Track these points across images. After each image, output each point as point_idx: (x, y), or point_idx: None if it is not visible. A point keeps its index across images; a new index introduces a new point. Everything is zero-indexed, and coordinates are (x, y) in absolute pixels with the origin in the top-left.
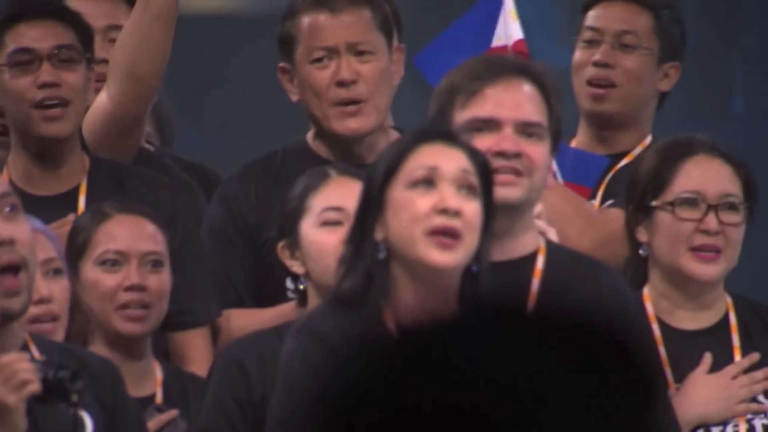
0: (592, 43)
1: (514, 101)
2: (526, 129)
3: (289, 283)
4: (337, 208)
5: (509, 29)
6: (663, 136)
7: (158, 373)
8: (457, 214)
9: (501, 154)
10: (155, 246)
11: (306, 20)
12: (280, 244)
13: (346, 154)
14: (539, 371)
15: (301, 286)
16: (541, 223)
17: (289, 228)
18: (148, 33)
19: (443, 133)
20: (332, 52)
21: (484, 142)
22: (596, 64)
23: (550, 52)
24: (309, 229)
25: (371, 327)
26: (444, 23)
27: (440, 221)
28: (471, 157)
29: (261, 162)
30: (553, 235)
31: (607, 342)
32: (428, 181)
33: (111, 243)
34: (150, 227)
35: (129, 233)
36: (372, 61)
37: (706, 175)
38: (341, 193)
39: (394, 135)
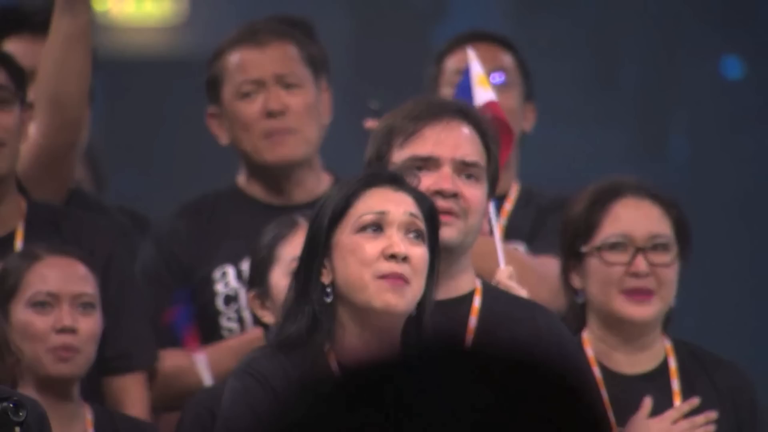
0: None
1: (454, 141)
2: (464, 169)
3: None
4: None
5: (478, 96)
6: (527, 183)
7: (88, 415)
8: (405, 259)
9: (439, 193)
10: (87, 288)
11: (233, 57)
12: (251, 295)
13: (276, 192)
14: (481, 409)
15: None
16: (513, 285)
17: (259, 278)
18: (62, 58)
19: (391, 177)
20: (260, 84)
21: (422, 182)
22: None
23: None
24: (279, 278)
25: (314, 368)
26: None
27: (388, 267)
28: (418, 201)
29: (193, 203)
30: (524, 296)
31: (547, 380)
32: (376, 226)
33: (42, 284)
34: (81, 269)
35: (60, 275)
36: (299, 94)
37: (633, 217)
38: None
39: (324, 176)
